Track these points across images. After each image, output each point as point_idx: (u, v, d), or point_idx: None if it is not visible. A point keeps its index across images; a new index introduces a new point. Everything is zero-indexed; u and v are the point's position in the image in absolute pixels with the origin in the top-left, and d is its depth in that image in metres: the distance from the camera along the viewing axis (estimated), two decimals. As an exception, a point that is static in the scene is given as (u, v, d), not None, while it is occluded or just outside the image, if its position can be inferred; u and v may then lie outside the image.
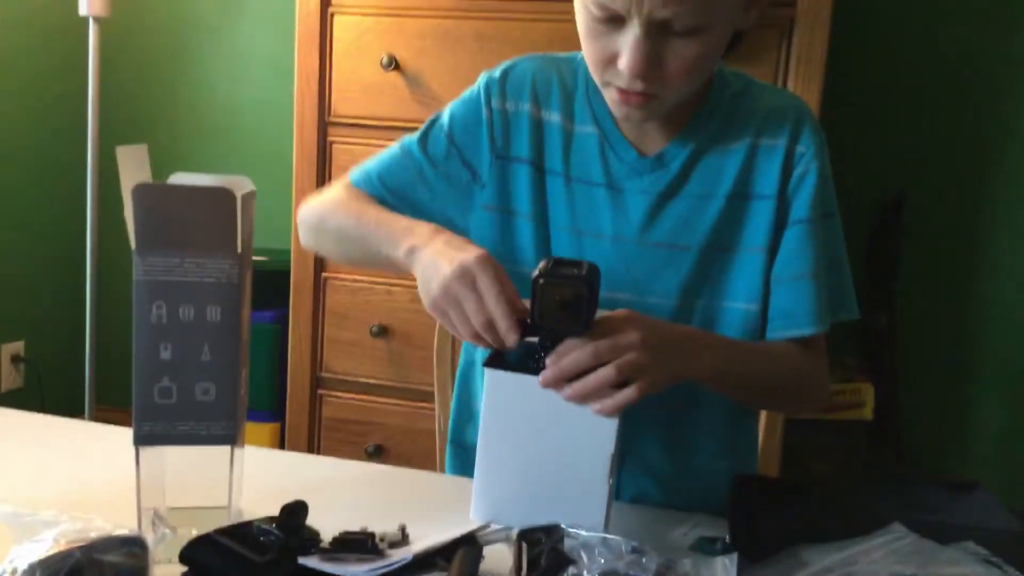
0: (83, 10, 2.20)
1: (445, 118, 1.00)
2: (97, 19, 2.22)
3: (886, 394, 2.10)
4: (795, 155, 0.94)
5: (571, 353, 0.75)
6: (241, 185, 0.72)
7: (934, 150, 2.21)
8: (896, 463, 2.13)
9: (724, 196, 0.93)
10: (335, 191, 1.02)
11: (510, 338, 0.77)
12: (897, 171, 2.21)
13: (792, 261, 0.93)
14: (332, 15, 1.87)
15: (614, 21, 0.83)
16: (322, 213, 1.01)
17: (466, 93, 1.00)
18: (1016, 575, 0.69)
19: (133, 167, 0.71)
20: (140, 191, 0.68)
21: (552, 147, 0.96)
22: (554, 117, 0.97)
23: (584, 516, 0.75)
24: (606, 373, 0.74)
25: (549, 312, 0.75)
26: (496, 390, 0.80)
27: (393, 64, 1.84)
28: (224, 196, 0.69)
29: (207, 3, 2.50)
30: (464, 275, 0.78)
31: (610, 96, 0.89)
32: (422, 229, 0.88)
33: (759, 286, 0.94)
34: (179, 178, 0.75)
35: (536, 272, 0.76)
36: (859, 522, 0.71)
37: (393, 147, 1.02)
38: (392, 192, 0.99)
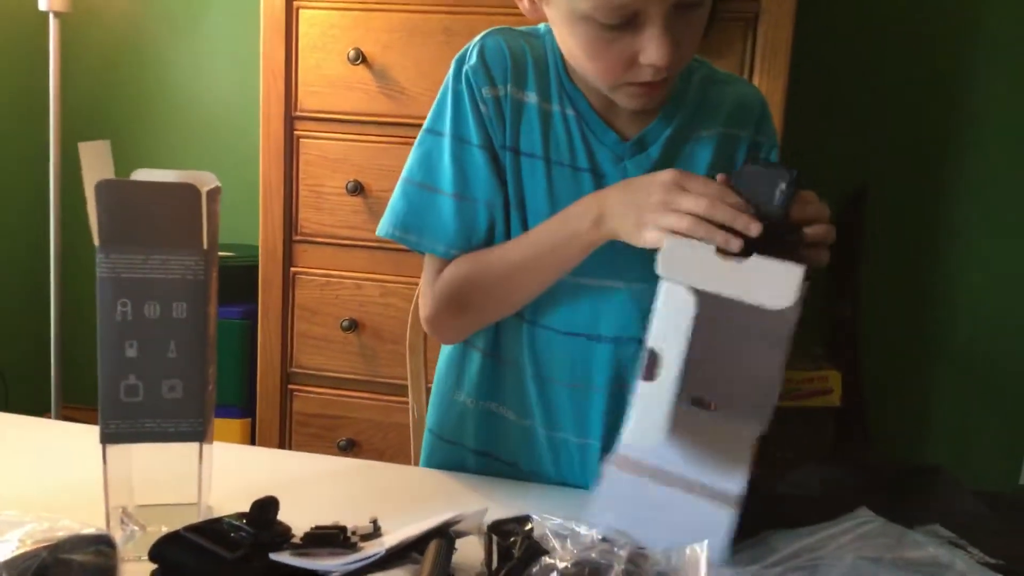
0: (43, 5, 2.17)
1: (464, 131, 0.93)
2: (58, 14, 2.19)
3: (852, 381, 2.13)
4: (758, 146, 0.97)
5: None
6: (206, 181, 0.72)
7: (897, 142, 2.24)
8: (863, 448, 2.17)
9: None
10: (447, 275, 0.94)
11: (754, 227, 0.74)
12: (860, 163, 2.25)
13: None
14: (298, 9, 1.86)
15: (629, 21, 0.80)
16: (459, 289, 0.94)
17: (450, 92, 0.94)
18: (980, 556, 0.71)
19: (95, 163, 0.70)
20: (103, 187, 0.67)
21: (530, 129, 0.93)
22: (531, 97, 0.93)
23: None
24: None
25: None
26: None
27: (360, 58, 1.83)
28: (188, 192, 0.68)
29: (170, 1, 2.47)
30: (673, 182, 0.78)
31: (625, 93, 0.87)
32: (579, 206, 0.86)
33: None
34: (143, 174, 0.74)
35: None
36: (826, 508, 0.72)
37: (435, 199, 0.93)
38: (482, 242, 0.94)
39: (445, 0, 1.80)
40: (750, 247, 0.73)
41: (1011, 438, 2.29)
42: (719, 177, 0.79)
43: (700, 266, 0.73)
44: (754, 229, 0.73)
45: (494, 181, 0.93)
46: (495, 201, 0.93)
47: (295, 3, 1.86)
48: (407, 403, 1.25)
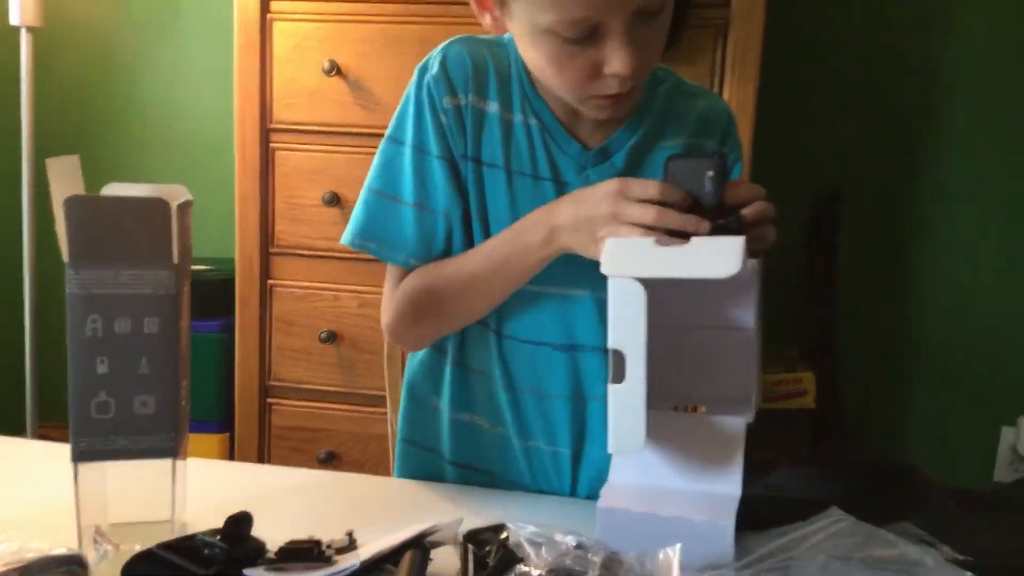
0: (15, 20, 2.15)
1: (424, 142, 0.93)
2: (30, 29, 2.18)
3: (827, 382, 2.15)
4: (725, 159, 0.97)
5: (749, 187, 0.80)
6: (177, 194, 0.72)
7: (869, 144, 2.27)
8: (839, 449, 2.18)
9: None
10: (406, 285, 0.95)
11: (703, 227, 0.76)
12: (834, 165, 2.27)
13: None
14: (272, 21, 1.86)
15: (590, 33, 0.81)
16: (416, 300, 0.94)
17: (412, 101, 0.94)
18: (950, 553, 0.71)
19: (64, 179, 0.70)
20: (72, 203, 0.67)
21: (491, 139, 0.93)
22: (492, 107, 0.93)
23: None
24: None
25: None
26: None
27: (335, 69, 1.83)
28: (159, 206, 0.68)
29: (143, 12, 2.45)
30: (617, 192, 0.79)
31: (593, 105, 0.87)
32: (531, 219, 0.87)
33: None
34: (113, 188, 0.74)
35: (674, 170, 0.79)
36: (798, 508, 0.73)
37: (396, 209, 0.94)
38: (442, 251, 0.95)
39: (420, 10, 1.80)
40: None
41: (986, 436, 2.31)
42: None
43: (644, 257, 0.74)
44: (704, 228, 0.75)
45: (453, 192, 0.93)
46: (454, 212, 0.94)
47: (269, 15, 1.86)
48: (387, 414, 1.25)
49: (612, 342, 0.74)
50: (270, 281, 1.94)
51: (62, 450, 0.74)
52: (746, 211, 0.78)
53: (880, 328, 2.32)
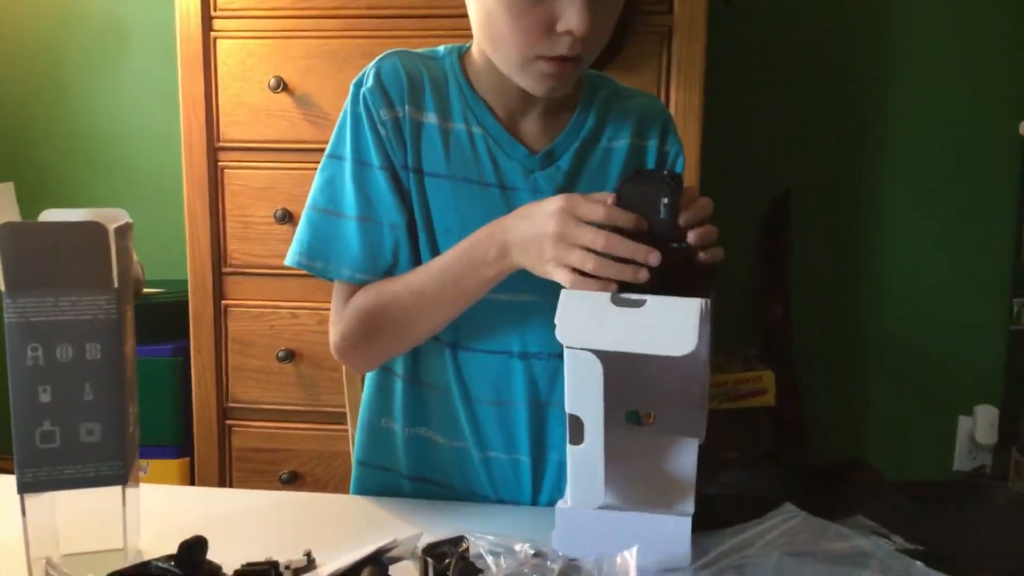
0: (-50, 44, 2.11)
1: (364, 153, 0.93)
2: (-34, 53, 2.13)
3: (786, 381, 2.18)
4: (664, 155, 1.01)
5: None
6: (115, 217, 0.71)
7: (817, 145, 2.31)
8: (800, 446, 2.21)
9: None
10: (351, 305, 0.94)
11: (653, 258, 0.75)
12: (782, 167, 2.30)
13: None
14: (215, 40, 1.84)
15: None
16: (364, 319, 0.93)
17: (349, 116, 0.94)
18: (902, 543, 0.73)
19: (-2, 206, 0.69)
20: (5, 231, 0.66)
21: (432, 149, 0.94)
22: (430, 117, 0.94)
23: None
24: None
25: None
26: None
27: (281, 86, 1.81)
28: (95, 230, 0.67)
29: (84, 33, 2.42)
30: (565, 211, 0.79)
31: (537, 71, 0.87)
32: (482, 234, 0.86)
33: None
34: (50, 215, 0.73)
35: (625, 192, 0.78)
36: (752, 506, 0.74)
37: (340, 224, 0.93)
38: (390, 263, 0.94)
39: (363, 24, 1.79)
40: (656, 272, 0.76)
41: (944, 427, 2.35)
42: (608, 199, 0.80)
43: (598, 323, 0.72)
44: (653, 259, 0.75)
45: (397, 202, 0.93)
46: (399, 222, 0.93)
47: (212, 33, 1.84)
48: (348, 431, 1.24)
49: (569, 407, 0.74)
50: (224, 301, 1.92)
51: (9, 481, 0.73)
52: (693, 237, 0.77)
53: (835, 325, 2.36)
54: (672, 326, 0.70)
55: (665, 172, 0.79)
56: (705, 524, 0.73)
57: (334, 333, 0.96)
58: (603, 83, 1.02)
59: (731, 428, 2.00)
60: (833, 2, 2.26)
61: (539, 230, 0.80)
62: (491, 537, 0.71)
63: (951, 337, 2.32)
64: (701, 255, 0.78)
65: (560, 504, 0.78)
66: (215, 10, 1.83)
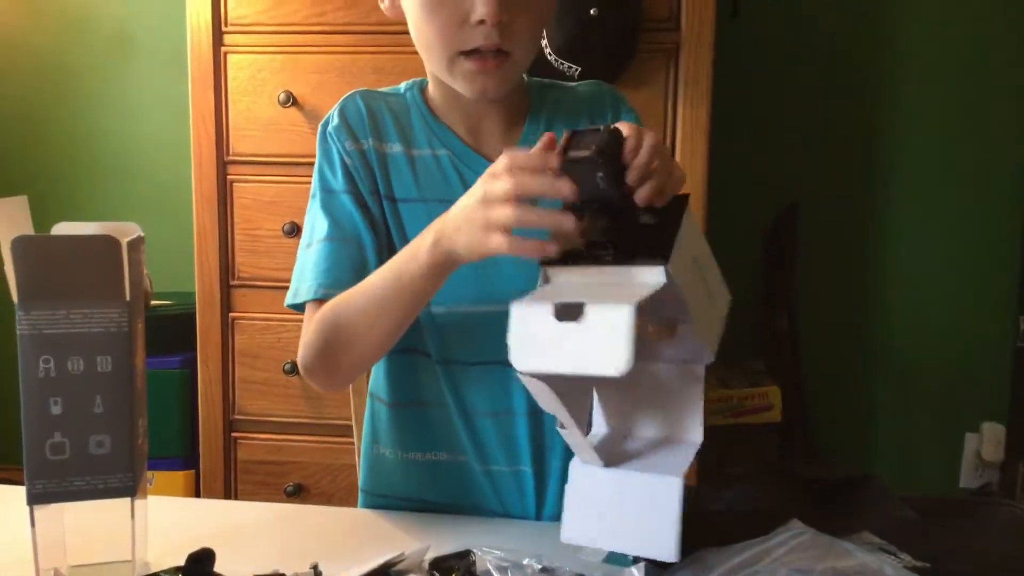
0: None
1: (331, 181, 0.97)
2: (-22, 66, 2.15)
3: (792, 396, 2.17)
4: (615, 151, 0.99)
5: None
6: (127, 231, 0.71)
7: (824, 159, 2.31)
8: (805, 462, 2.20)
9: None
10: (317, 316, 0.92)
11: (566, 222, 0.71)
12: (788, 181, 2.31)
13: None
14: (226, 54, 1.86)
15: None
16: (323, 336, 0.91)
17: (318, 156, 0.99)
18: (909, 560, 0.73)
19: (12, 220, 0.70)
20: (19, 244, 0.66)
21: (400, 175, 0.97)
22: (395, 148, 0.98)
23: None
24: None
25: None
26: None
27: (291, 100, 1.83)
28: (108, 244, 0.68)
29: (95, 47, 2.44)
30: (480, 199, 0.76)
31: (462, 72, 0.90)
32: (417, 238, 0.84)
33: None
34: (63, 228, 0.74)
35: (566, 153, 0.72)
36: (760, 522, 0.74)
37: (311, 251, 0.95)
38: (354, 280, 0.92)
39: (374, 40, 1.81)
40: (614, 237, 0.72)
41: (950, 443, 2.35)
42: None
43: (545, 342, 0.69)
44: (567, 223, 0.71)
45: (363, 223, 0.95)
46: (365, 241, 0.94)
47: (223, 48, 1.86)
48: (353, 444, 1.25)
49: (556, 424, 0.75)
50: (231, 314, 1.93)
51: (18, 493, 0.73)
52: (643, 192, 0.72)
53: (843, 340, 2.36)
54: (604, 348, 0.65)
55: (600, 128, 0.72)
56: (712, 540, 0.73)
57: (300, 348, 0.95)
58: (550, 87, 1.04)
59: (737, 443, 1.99)
60: (840, 16, 2.27)
61: (467, 201, 0.78)
62: (498, 552, 0.71)
63: (958, 354, 2.32)
64: (643, 217, 0.74)
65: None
66: (226, 25, 1.85)
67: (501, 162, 0.75)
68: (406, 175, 0.97)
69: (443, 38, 0.89)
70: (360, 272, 0.93)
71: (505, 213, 0.73)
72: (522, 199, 0.73)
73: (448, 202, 0.93)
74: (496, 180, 0.75)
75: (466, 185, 0.94)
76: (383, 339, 0.91)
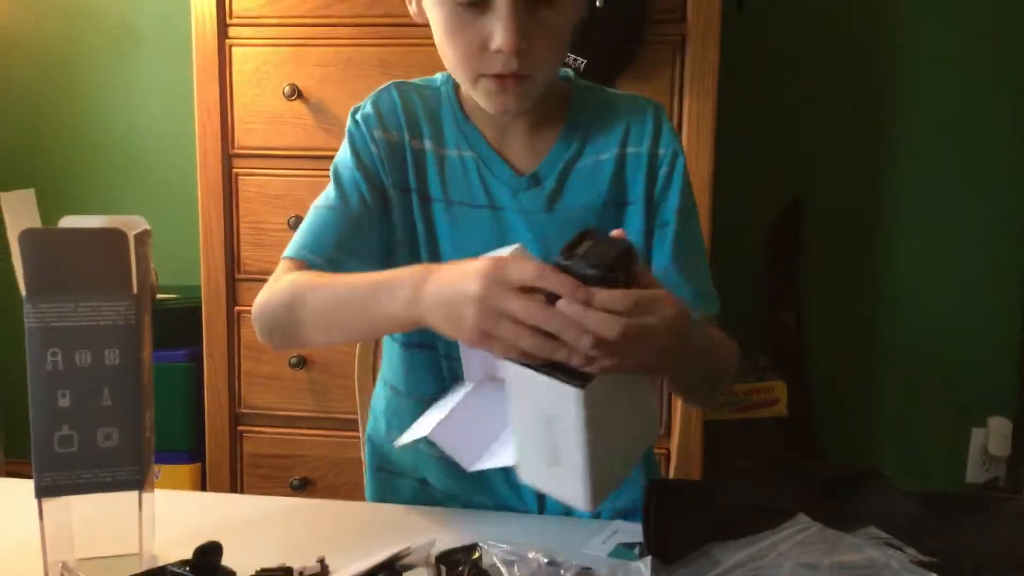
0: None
1: (344, 160, 0.98)
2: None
3: (798, 390, 2.17)
4: (657, 158, 0.97)
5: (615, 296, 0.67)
6: (134, 224, 0.71)
7: (830, 154, 2.30)
8: (811, 457, 2.20)
9: (599, 207, 0.96)
10: (284, 279, 0.91)
11: (585, 342, 0.66)
12: (794, 175, 2.30)
13: (676, 253, 0.96)
14: (230, 47, 1.85)
15: (479, 4, 0.84)
16: (287, 303, 0.89)
17: (347, 137, 0.99)
18: (915, 555, 0.72)
19: (19, 213, 0.70)
20: (27, 237, 0.67)
21: (431, 174, 0.97)
22: (427, 144, 0.97)
23: None
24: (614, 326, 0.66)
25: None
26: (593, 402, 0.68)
27: (296, 93, 1.83)
28: (115, 237, 0.68)
29: (99, 40, 2.44)
30: (487, 308, 0.69)
31: (484, 89, 0.89)
32: (405, 274, 0.79)
33: None
34: (70, 221, 0.74)
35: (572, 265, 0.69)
36: (766, 517, 0.74)
37: (313, 212, 0.97)
38: (340, 249, 0.94)
39: (379, 33, 1.81)
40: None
41: (957, 438, 2.34)
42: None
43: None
44: (585, 343, 0.66)
45: (361, 203, 0.95)
46: (361, 217, 0.94)
47: (227, 41, 1.85)
48: (359, 438, 1.25)
49: None
50: (237, 307, 1.93)
51: (27, 485, 0.73)
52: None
53: (847, 334, 2.35)
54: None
55: (616, 238, 0.69)
56: (718, 535, 0.73)
57: (260, 295, 0.94)
58: (593, 92, 1.01)
59: (743, 438, 1.99)
60: (846, 10, 2.25)
61: (459, 288, 0.71)
62: (504, 545, 0.72)
63: (964, 348, 2.31)
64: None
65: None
66: (231, 17, 1.85)
67: (527, 274, 0.68)
68: (435, 174, 0.97)
69: (464, 61, 0.88)
70: (346, 246, 0.93)
71: (511, 330, 0.68)
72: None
73: (468, 206, 0.95)
74: (508, 293, 0.68)
75: (487, 190, 0.96)
76: (336, 338, 0.91)
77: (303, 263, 0.93)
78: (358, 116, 0.98)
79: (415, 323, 0.78)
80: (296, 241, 0.96)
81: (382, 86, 1.00)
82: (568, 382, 0.67)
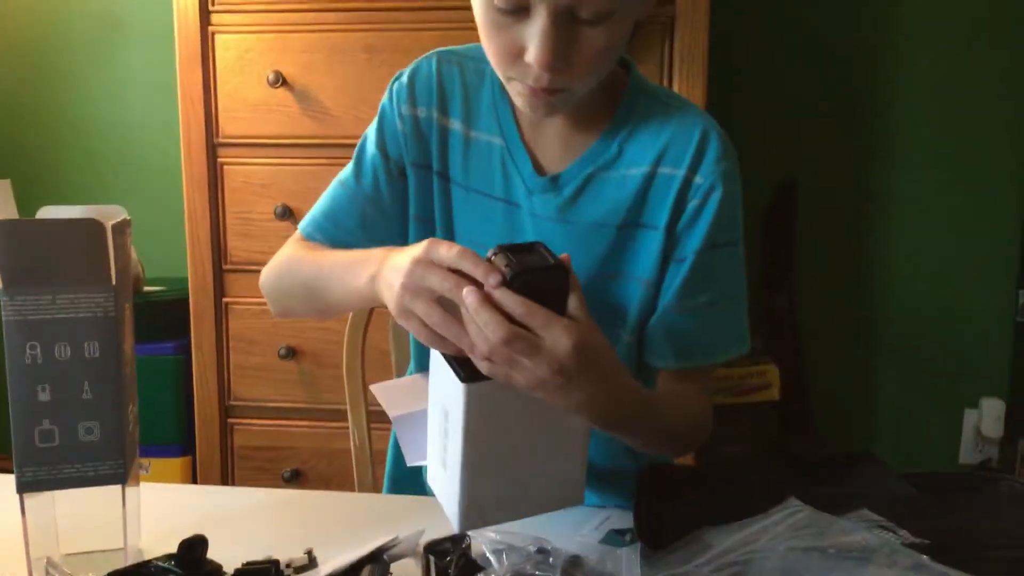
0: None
1: (371, 134, 0.98)
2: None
3: (791, 374, 2.17)
4: (692, 186, 0.89)
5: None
6: (112, 214, 0.70)
7: (823, 135, 2.29)
8: (804, 440, 2.21)
9: (615, 225, 0.90)
10: (288, 248, 0.97)
11: (480, 341, 0.66)
12: (787, 157, 2.29)
13: (685, 293, 0.90)
14: (213, 34, 1.83)
15: (519, 11, 0.78)
16: (280, 273, 0.97)
17: (380, 109, 0.98)
18: (907, 537, 0.72)
19: (-6, 204, 0.68)
20: (2, 228, 0.65)
21: (454, 156, 0.94)
22: (456, 124, 0.94)
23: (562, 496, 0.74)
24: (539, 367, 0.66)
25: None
26: (479, 404, 0.68)
27: (280, 80, 1.81)
28: (93, 227, 0.66)
29: (81, 27, 2.41)
30: (408, 286, 0.70)
31: (515, 90, 0.85)
32: (376, 252, 0.81)
33: (643, 315, 0.92)
34: (47, 212, 0.73)
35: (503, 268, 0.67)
36: (758, 500, 0.73)
37: (332, 186, 0.99)
38: (344, 228, 0.96)
39: (364, 18, 1.79)
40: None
41: (950, 419, 2.35)
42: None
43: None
44: (481, 344, 0.66)
45: (373, 179, 0.96)
46: (374, 196, 0.96)
47: (210, 28, 1.83)
48: (349, 428, 1.24)
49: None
50: (225, 299, 1.91)
51: (8, 481, 0.72)
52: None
53: (841, 317, 2.35)
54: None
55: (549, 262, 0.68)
56: (709, 519, 0.72)
57: (269, 262, 1.01)
58: (646, 96, 0.92)
59: (736, 422, 1.99)
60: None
61: (396, 264, 0.73)
62: (493, 534, 0.71)
63: (958, 330, 2.31)
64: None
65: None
66: (213, 4, 1.83)
67: (451, 253, 0.69)
68: (458, 157, 0.94)
69: (499, 62, 0.83)
70: (355, 225, 0.96)
71: (424, 308, 0.69)
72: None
73: (485, 195, 0.93)
74: (428, 271, 0.69)
75: (507, 183, 0.93)
76: (320, 310, 0.95)
77: (308, 241, 0.98)
78: (394, 87, 0.97)
79: (375, 299, 0.80)
80: (309, 216, 0.99)
81: (429, 52, 0.97)
82: (458, 374, 0.67)
